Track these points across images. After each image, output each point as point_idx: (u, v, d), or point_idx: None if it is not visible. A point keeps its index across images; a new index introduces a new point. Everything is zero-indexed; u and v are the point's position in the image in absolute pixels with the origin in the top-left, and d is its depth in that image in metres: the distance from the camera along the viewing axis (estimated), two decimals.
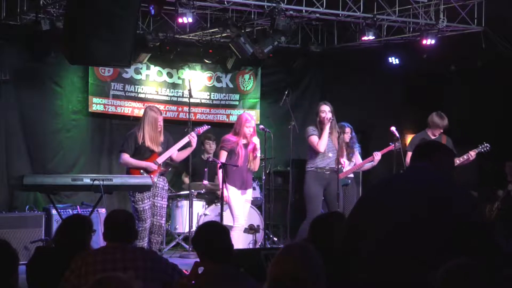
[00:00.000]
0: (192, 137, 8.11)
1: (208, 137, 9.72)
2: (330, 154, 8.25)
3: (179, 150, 8.13)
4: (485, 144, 8.81)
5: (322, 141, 8.18)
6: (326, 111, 8.20)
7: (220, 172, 7.95)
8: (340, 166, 8.32)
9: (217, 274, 3.63)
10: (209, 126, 8.72)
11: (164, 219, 8.07)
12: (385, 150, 9.02)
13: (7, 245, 3.14)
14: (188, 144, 8.15)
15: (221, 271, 3.65)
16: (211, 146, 9.69)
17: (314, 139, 8.22)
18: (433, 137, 8.97)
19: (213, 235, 3.78)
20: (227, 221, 8.00)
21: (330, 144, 8.23)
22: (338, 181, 8.22)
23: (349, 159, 9.00)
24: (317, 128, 8.25)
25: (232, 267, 3.70)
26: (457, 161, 8.94)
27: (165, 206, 8.08)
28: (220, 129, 10.19)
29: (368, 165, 9.15)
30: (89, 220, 4.67)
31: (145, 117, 7.91)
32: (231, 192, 7.95)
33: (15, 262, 3.10)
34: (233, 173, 7.97)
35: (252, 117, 8.29)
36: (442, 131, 8.88)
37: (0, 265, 3.02)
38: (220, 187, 7.99)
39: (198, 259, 3.81)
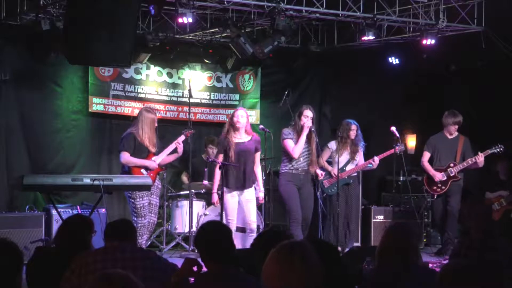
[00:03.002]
0: (178, 144, 8.14)
1: (211, 141, 9.66)
2: (302, 159, 8.35)
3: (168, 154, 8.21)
4: (499, 145, 8.71)
5: (298, 147, 8.27)
6: (308, 116, 8.27)
7: (217, 172, 7.94)
8: (316, 175, 8.49)
9: (218, 274, 3.63)
10: (193, 131, 8.74)
11: (156, 216, 8.24)
12: (386, 154, 9.00)
13: (13, 245, 3.18)
14: (176, 150, 8.20)
15: (221, 271, 3.64)
16: (213, 151, 9.60)
17: (289, 143, 8.30)
18: (450, 137, 8.91)
19: (215, 235, 3.79)
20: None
21: (303, 150, 8.32)
22: (337, 184, 8.22)
23: (353, 157, 8.97)
24: (294, 130, 8.33)
25: (233, 267, 3.70)
26: (460, 166, 8.89)
27: (158, 203, 8.27)
28: (220, 129, 10.17)
29: (367, 168, 9.14)
30: (90, 220, 4.68)
31: (142, 119, 7.95)
32: (225, 195, 7.88)
33: (20, 262, 3.13)
34: (227, 172, 7.93)
35: (241, 108, 8.32)
36: (457, 127, 8.85)
37: (6, 264, 3.05)
38: (215, 186, 8.03)
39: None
